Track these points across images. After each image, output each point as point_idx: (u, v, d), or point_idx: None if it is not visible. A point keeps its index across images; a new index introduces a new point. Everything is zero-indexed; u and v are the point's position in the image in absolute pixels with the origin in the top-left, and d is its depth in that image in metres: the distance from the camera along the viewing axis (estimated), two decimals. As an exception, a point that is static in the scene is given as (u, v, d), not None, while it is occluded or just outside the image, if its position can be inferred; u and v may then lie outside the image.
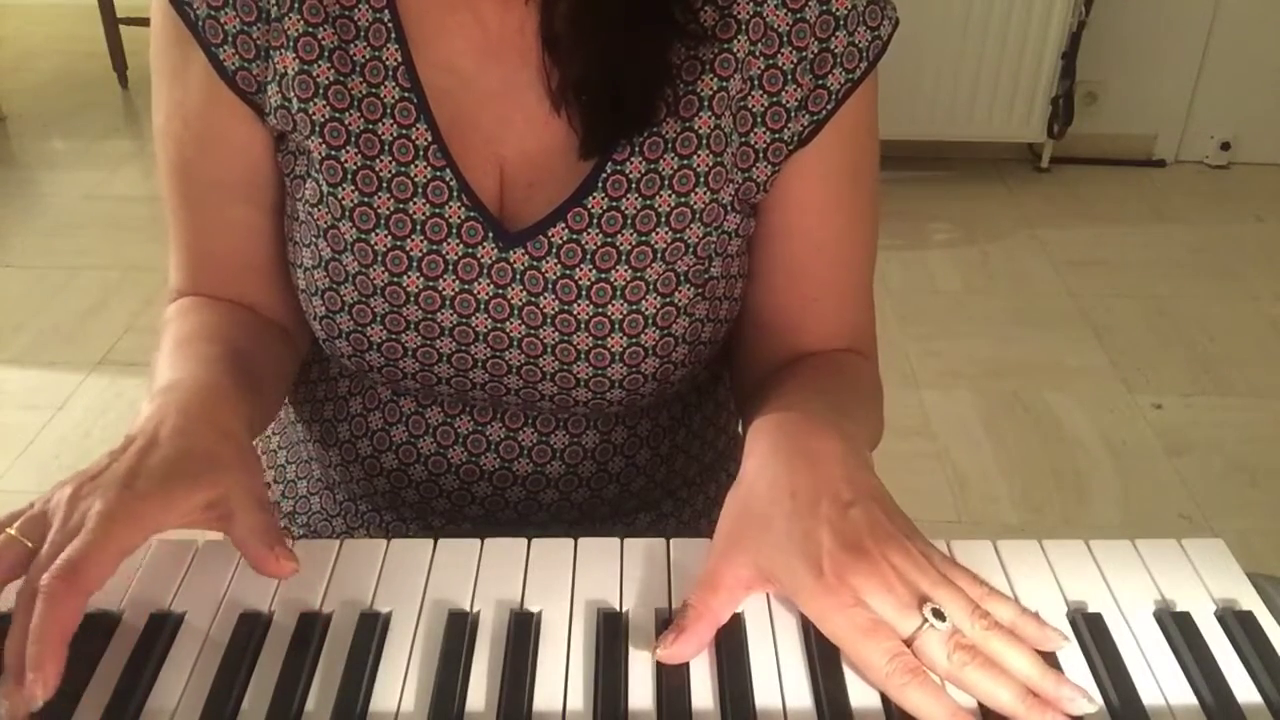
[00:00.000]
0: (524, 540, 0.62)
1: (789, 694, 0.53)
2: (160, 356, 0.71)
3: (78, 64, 4.01)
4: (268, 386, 0.73)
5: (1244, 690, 0.53)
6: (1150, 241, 2.86)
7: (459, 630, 0.56)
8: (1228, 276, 2.70)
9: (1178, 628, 0.56)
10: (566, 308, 0.70)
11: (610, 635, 0.55)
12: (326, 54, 0.68)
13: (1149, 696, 0.53)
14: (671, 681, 0.53)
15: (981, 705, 0.52)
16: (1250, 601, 0.58)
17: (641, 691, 0.53)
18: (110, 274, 2.66)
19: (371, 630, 0.56)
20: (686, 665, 0.54)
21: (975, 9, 2.89)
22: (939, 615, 0.53)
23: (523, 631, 0.56)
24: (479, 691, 0.53)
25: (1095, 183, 3.16)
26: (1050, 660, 0.54)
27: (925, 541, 0.57)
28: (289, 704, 0.52)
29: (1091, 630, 0.56)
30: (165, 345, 0.72)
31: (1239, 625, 0.56)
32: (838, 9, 0.68)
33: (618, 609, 0.57)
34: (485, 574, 0.60)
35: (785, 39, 0.68)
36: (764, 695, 0.53)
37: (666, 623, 0.56)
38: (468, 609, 0.57)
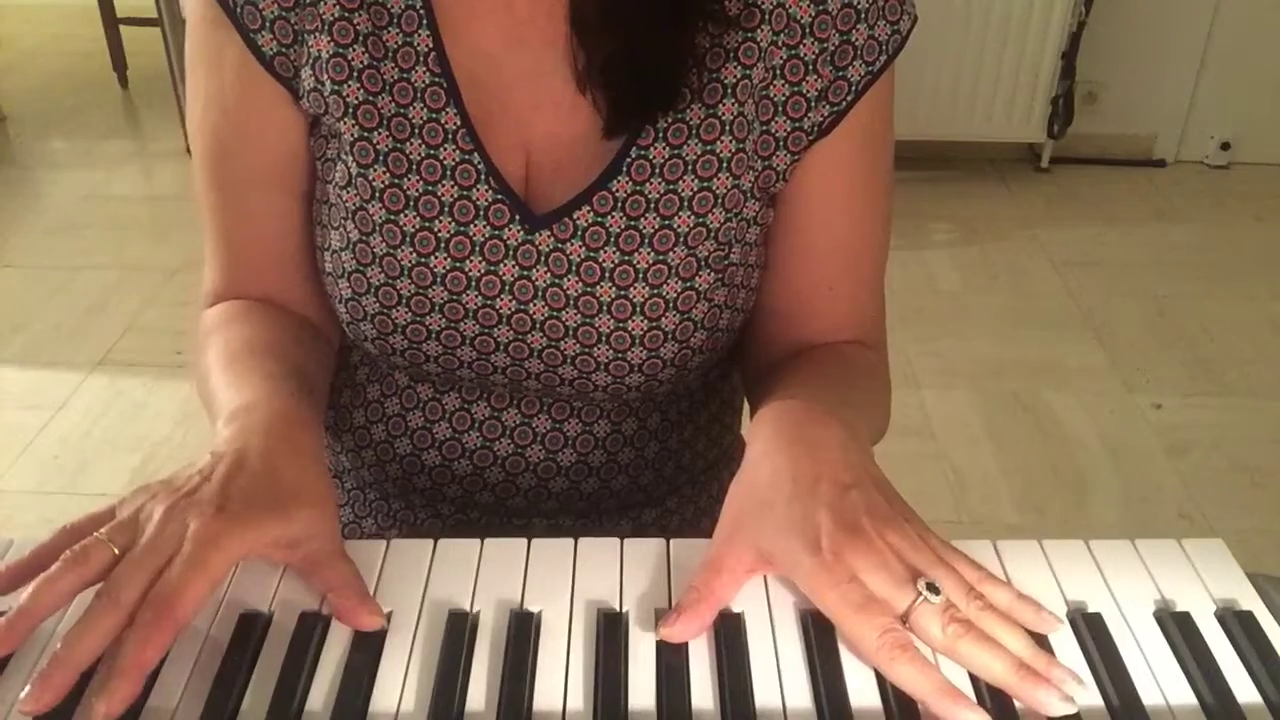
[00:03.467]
0: (524, 540, 0.62)
1: (789, 694, 0.53)
2: (214, 369, 0.71)
3: (78, 64, 4.02)
4: (321, 397, 0.74)
5: (1244, 690, 0.53)
6: (1150, 241, 2.86)
7: (459, 630, 0.56)
8: (1228, 276, 2.70)
9: (1177, 628, 0.56)
10: (589, 289, 0.71)
11: (610, 635, 0.55)
12: (361, 39, 0.69)
13: (1149, 696, 0.53)
14: (671, 681, 0.53)
15: (974, 681, 0.53)
16: (1250, 601, 0.58)
17: (641, 691, 0.53)
18: (110, 274, 2.66)
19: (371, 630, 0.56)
20: (686, 665, 0.54)
21: (975, 9, 2.89)
22: (933, 589, 0.54)
23: (523, 631, 0.56)
24: (479, 691, 0.53)
25: (1095, 183, 3.16)
26: (1045, 648, 0.54)
27: (923, 525, 0.58)
28: (289, 704, 0.52)
29: (1091, 630, 0.56)
30: (217, 357, 0.71)
31: (1239, 625, 0.56)
32: (859, 2, 0.69)
33: (618, 609, 0.57)
34: (485, 574, 0.60)
35: (807, 30, 0.69)
36: (764, 695, 0.53)
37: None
38: (468, 609, 0.57)
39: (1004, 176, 3.18)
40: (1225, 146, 3.21)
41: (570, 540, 0.61)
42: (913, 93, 2.98)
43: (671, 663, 0.54)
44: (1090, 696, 0.53)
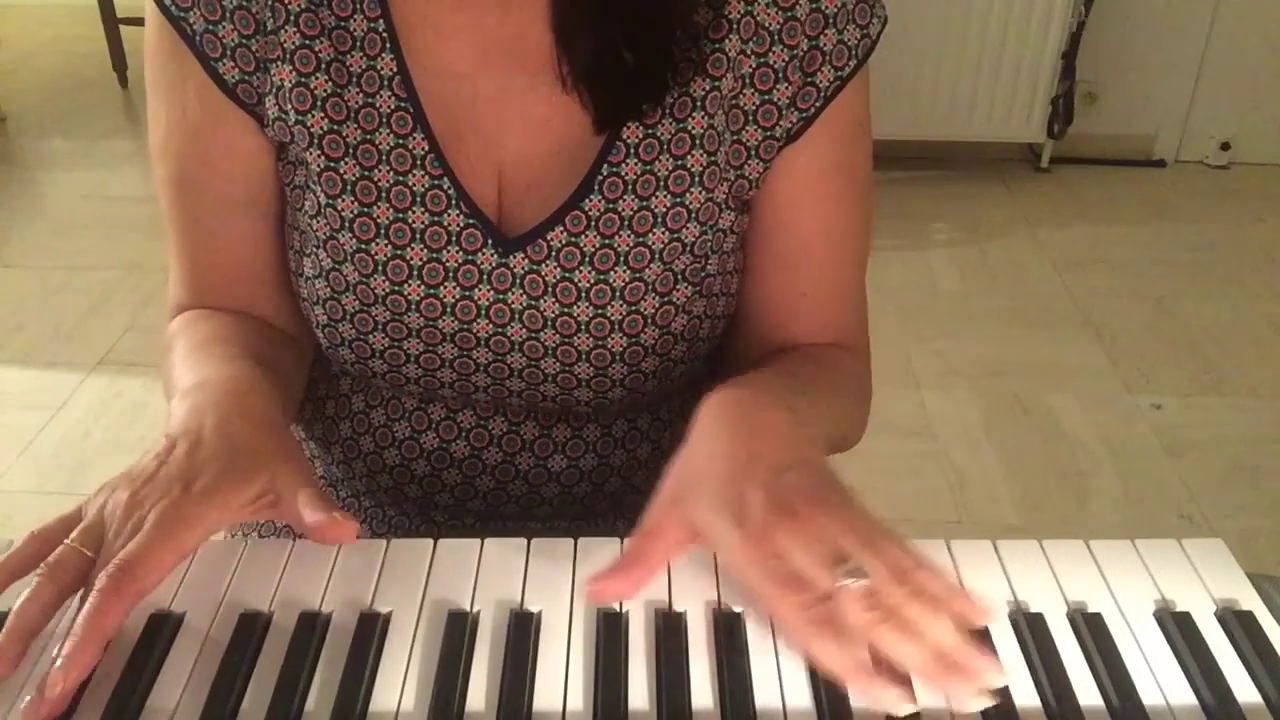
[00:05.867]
0: (524, 540, 0.62)
1: (789, 694, 0.53)
2: (176, 364, 0.71)
3: (78, 64, 4.01)
4: (286, 384, 0.74)
5: (1244, 690, 0.53)
6: (1150, 241, 2.86)
7: (459, 630, 0.56)
8: (1228, 276, 2.70)
9: (1178, 628, 0.56)
10: (566, 310, 0.70)
11: (610, 635, 0.55)
12: (324, 66, 0.68)
13: (1149, 696, 0.53)
14: (671, 681, 0.53)
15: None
16: (1250, 601, 0.58)
17: (641, 691, 0.53)
18: (110, 274, 2.66)
19: (371, 630, 0.56)
20: (686, 665, 0.54)
21: (975, 9, 2.89)
22: (857, 574, 0.53)
23: (523, 631, 0.56)
24: (479, 691, 0.53)
25: (1095, 183, 3.16)
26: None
27: (861, 512, 0.57)
28: (289, 704, 0.52)
29: (1091, 630, 0.56)
30: (179, 352, 0.72)
31: (1239, 625, 0.56)
32: (827, 7, 0.68)
33: (618, 609, 0.57)
34: (485, 574, 0.60)
35: (776, 37, 0.68)
36: (764, 695, 0.53)
37: (667, 622, 0.56)
38: (468, 609, 0.57)
39: (1004, 176, 3.18)
40: (1225, 146, 3.20)
41: (570, 540, 0.61)
42: (913, 93, 2.98)
43: (671, 663, 0.54)
44: (1090, 696, 0.53)
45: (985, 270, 2.73)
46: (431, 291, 0.70)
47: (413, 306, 0.71)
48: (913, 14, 2.87)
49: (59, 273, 2.69)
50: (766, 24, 0.68)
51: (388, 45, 0.68)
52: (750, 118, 0.69)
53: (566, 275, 0.70)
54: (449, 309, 0.71)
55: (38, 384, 2.29)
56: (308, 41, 0.68)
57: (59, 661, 0.50)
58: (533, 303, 0.70)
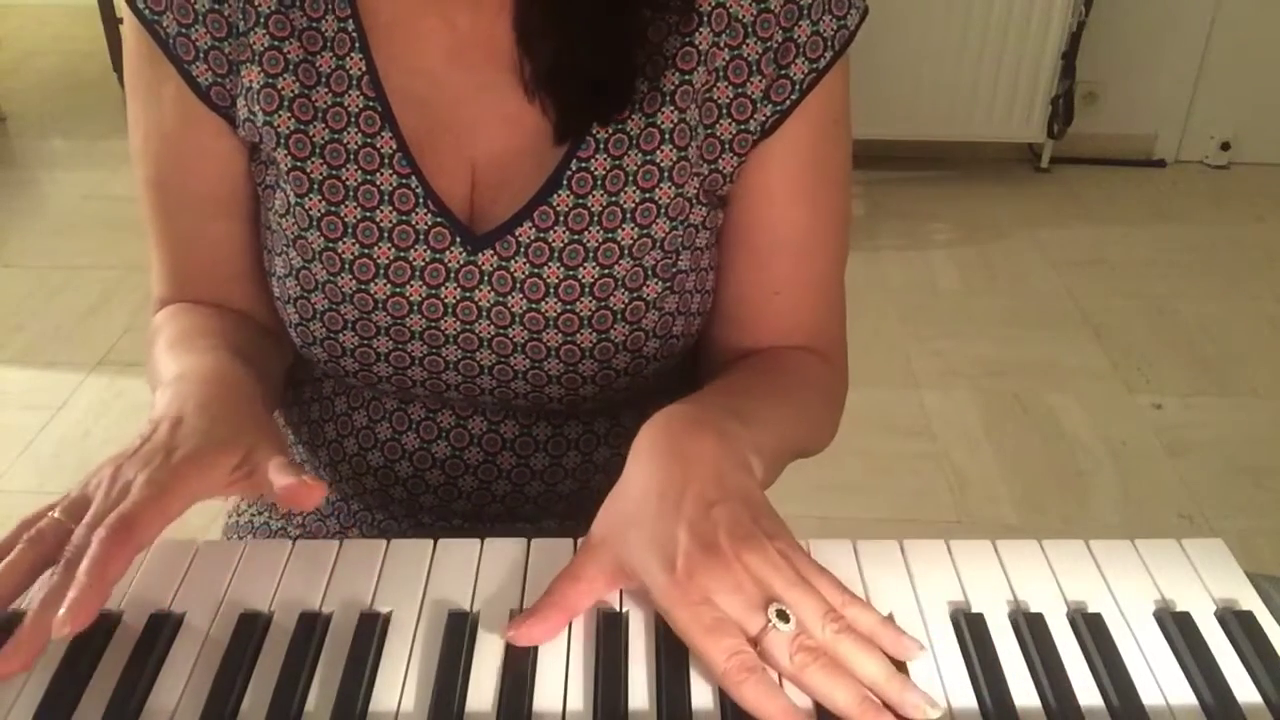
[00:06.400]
0: (524, 540, 0.62)
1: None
2: (158, 356, 0.72)
3: (78, 64, 4.01)
4: (265, 377, 0.74)
5: (1244, 690, 0.53)
6: (1150, 241, 2.86)
7: (459, 630, 0.56)
8: (1228, 276, 2.70)
9: (1178, 628, 0.56)
10: (534, 306, 0.70)
11: (610, 635, 0.55)
12: (291, 67, 0.68)
13: (1149, 696, 0.53)
14: (671, 681, 0.53)
15: (821, 708, 0.51)
16: (1250, 601, 0.58)
17: (641, 691, 0.53)
18: (110, 274, 2.66)
19: (371, 630, 0.56)
20: (686, 665, 0.54)
21: (975, 9, 2.89)
22: (784, 617, 0.52)
23: (523, 631, 0.56)
24: (479, 691, 0.53)
25: (1095, 183, 3.16)
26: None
27: (791, 544, 0.56)
28: (289, 704, 0.52)
29: (1091, 630, 0.56)
30: (161, 345, 0.72)
31: (1239, 625, 0.56)
32: None
33: (617, 609, 0.57)
34: (485, 574, 0.60)
35: (750, 29, 0.67)
36: (764, 695, 0.52)
37: (666, 623, 0.56)
38: (468, 609, 0.57)
39: (1004, 176, 3.18)
40: (1225, 146, 3.20)
41: (569, 540, 0.61)
42: (913, 93, 2.98)
43: (671, 663, 0.54)
44: (1090, 696, 0.53)
45: (985, 270, 2.73)
46: (398, 290, 0.70)
47: (379, 305, 0.71)
48: (912, 14, 2.88)
49: (59, 273, 2.69)
50: (739, 16, 0.67)
51: (357, 45, 0.68)
52: (724, 111, 0.69)
53: (535, 271, 0.69)
54: (415, 307, 0.71)
55: (38, 384, 2.29)
56: (276, 43, 0.68)
57: (63, 609, 0.50)
58: (500, 299, 0.70)
